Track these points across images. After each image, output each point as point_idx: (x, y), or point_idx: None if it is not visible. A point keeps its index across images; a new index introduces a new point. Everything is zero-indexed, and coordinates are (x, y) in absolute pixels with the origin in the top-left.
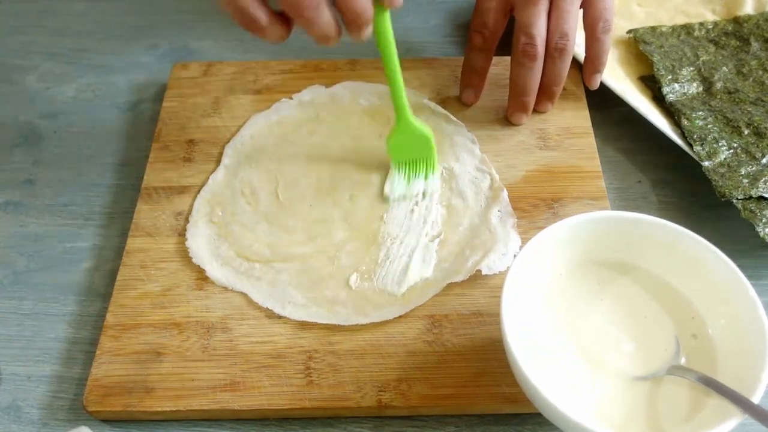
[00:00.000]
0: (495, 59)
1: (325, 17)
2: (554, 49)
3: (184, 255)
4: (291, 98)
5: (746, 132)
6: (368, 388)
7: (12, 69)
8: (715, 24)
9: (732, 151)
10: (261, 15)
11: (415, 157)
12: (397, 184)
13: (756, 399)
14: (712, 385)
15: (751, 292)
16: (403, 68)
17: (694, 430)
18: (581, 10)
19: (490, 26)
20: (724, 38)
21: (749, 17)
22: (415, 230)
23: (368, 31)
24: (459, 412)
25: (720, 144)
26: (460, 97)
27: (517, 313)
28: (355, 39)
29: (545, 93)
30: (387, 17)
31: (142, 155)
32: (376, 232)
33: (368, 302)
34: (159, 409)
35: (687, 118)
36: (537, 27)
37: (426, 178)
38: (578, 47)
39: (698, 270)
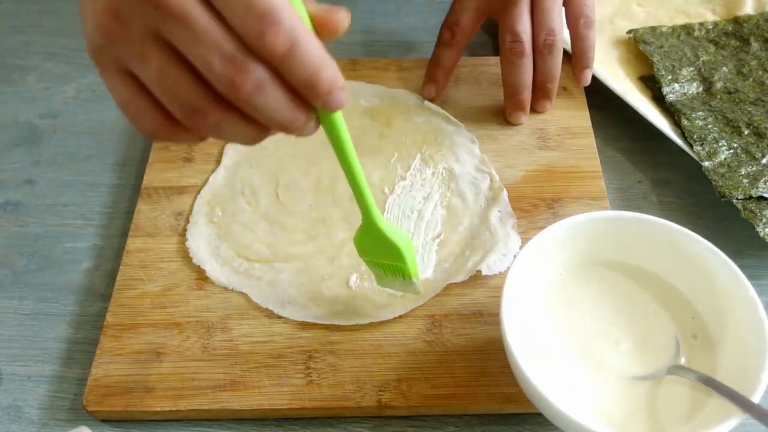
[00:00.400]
0: (494, 59)
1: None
2: (543, 46)
3: (185, 255)
4: None
5: (746, 132)
6: (368, 387)
7: (12, 69)
8: (715, 24)
9: (732, 151)
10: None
11: (387, 261)
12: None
13: (756, 398)
14: (712, 384)
15: (751, 291)
16: (403, 68)
17: (694, 430)
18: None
19: (462, 24)
20: (724, 38)
21: (749, 17)
22: (414, 231)
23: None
24: (459, 412)
25: (720, 144)
26: (422, 92)
27: (517, 313)
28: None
29: (541, 91)
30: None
31: (142, 155)
32: None
33: (368, 302)
34: (159, 408)
35: (687, 118)
36: (521, 24)
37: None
38: None
39: (698, 270)
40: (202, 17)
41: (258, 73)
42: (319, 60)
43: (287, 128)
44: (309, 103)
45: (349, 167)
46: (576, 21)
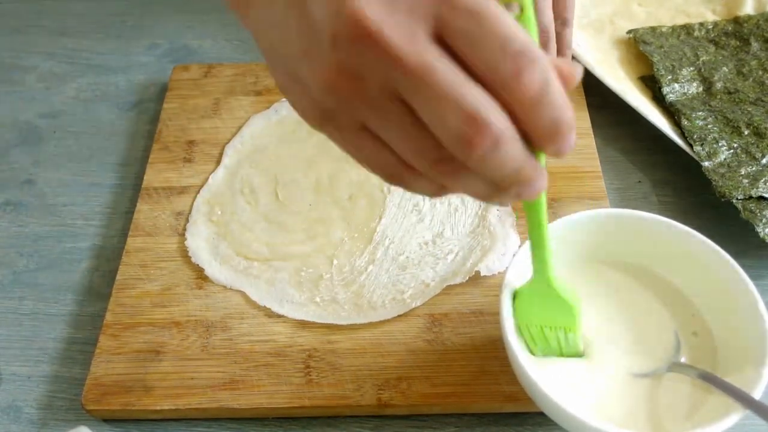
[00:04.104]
0: None
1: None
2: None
3: (184, 254)
4: None
5: (746, 132)
6: (368, 386)
7: (12, 69)
8: (715, 24)
9: (732, 151)
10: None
11: (552, 324)
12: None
13: (757, 395)
14: (712, 381)
15: (751, 287)
16: None
17: (694, 427)
18: None
19: None
20: (724, 38)
21: (749, 17)
22: (413, 230)
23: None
24: (459, 411)
25: (720, 144)
26: None
27: None
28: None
29: None
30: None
31: (142, 155)
32: (374, 231)
33: (367, 302)
34: (158, 407)
35: (687, 118)
36: None
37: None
38: (577, 46)
39: (698, 267)
40: (441, 70)
41: (498, 127)
42: (565, 99)
43: (518, 182)
44: (539, 148)
45: (538, 221)
46: (555, 21)
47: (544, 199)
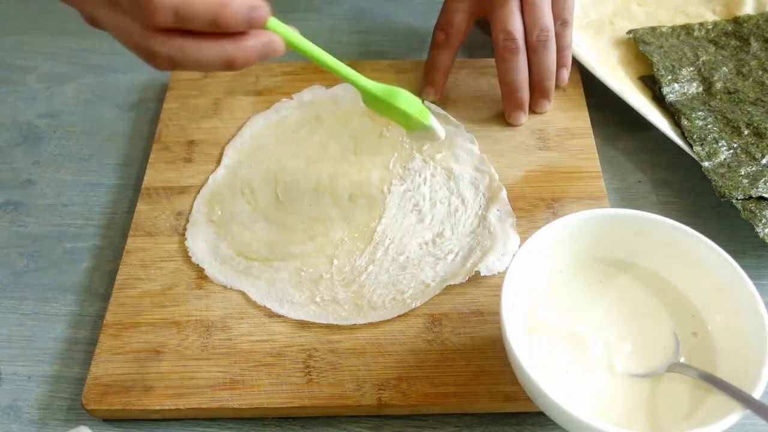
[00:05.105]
0: (494, 61)
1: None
2: (536, 42)
3: (184, 254)
4: (291, 98)
5: (746, 132)
6: (368, 386)
7: (12, 69)
8: (715, 24)
9: (732, 151)
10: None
11: (394, 118)
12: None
13: (757, 395)
14: (712, 381)
15: (751, 287)
16: (403, 70)
17: (694, 427)
18: None
19: (455, 25)
20: (724, 38)
21: (749, 17)
22: (413, 230)
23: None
24: (459, 411)
25: (720, 144)
26: (421, 94)
27: (517, 311)
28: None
29: (539, 90)
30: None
31: (142, 155)
32: (374, 231)
33: (367, 302)
34: (158, 407)
35: (687, 118)
36: (513, 23)
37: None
38: (577, 46)
39: (698, 267)
40: None
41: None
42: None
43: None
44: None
45: (322, 62)
46: (554, 21)
47: (309, 49)
